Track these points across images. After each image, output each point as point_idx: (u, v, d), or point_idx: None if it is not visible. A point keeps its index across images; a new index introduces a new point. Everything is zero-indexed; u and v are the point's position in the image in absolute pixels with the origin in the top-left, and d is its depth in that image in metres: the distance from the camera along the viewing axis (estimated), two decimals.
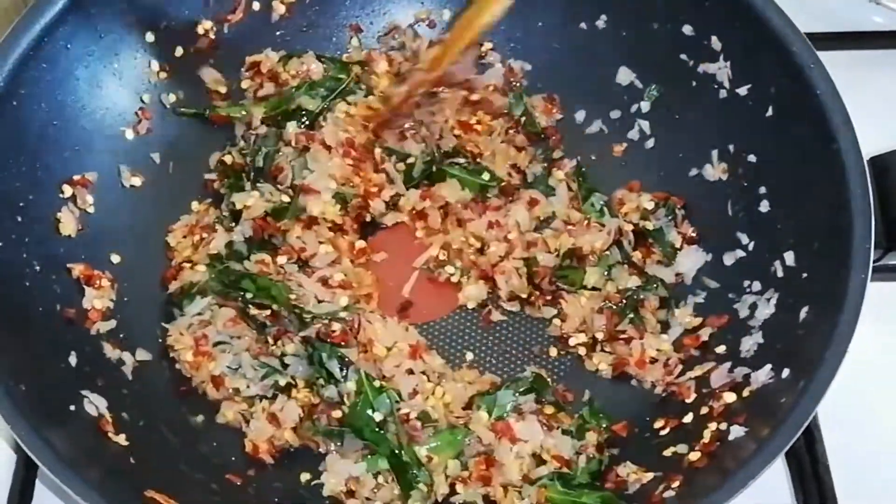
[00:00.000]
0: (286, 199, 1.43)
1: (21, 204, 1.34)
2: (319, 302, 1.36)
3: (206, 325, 1.38)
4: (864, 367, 1.25)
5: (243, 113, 1.52)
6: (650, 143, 1.53)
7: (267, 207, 1.43)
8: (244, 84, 1.54)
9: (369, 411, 1.29)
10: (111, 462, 1.23)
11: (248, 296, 1.37)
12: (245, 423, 1.34)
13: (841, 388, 1.15)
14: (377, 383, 1.31)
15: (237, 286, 1.38)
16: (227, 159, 1.51)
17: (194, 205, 1.50)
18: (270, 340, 1.36)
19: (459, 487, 1.29)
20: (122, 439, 1.26)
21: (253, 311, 1.36)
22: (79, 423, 1.24)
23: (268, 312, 1.36)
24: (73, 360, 1.30)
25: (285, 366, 1.36)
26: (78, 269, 1.38)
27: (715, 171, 1.44)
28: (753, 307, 1.33)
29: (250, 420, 1.34)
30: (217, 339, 1.37)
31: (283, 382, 1.35)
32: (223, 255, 1.43)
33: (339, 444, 1.32)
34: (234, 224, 1.45)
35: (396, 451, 1.28)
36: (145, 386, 1.36)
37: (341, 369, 1.32)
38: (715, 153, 1.44)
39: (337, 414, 1.31)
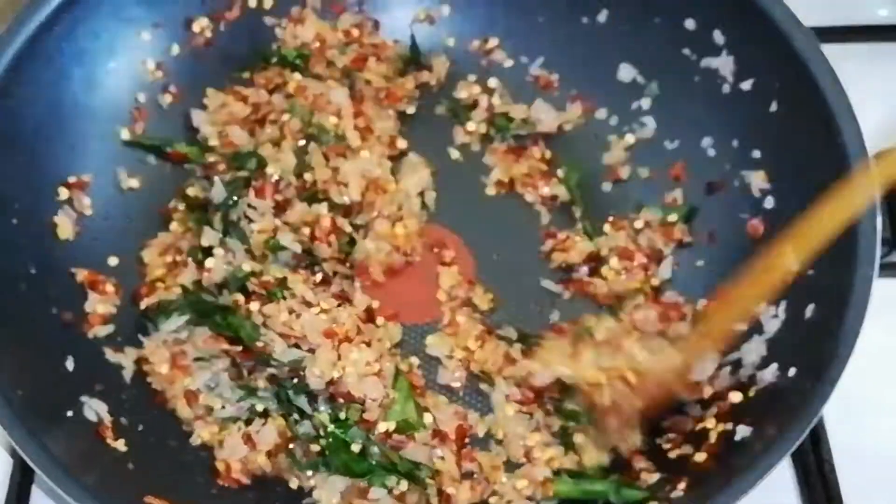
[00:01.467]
0: (247, 266, 1.36)
1: (16, 206, 1.33)
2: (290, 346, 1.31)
3: (183, 343, 1.35)
4: (870, 365, 1.24)
5: (207, 160, 1.46)
6: (652, 139, 1.51)
7: (226, 273, 1.37)
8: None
9: (346, 445, 1.25)
10: (109, 467, 1.22)
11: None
12: (219, 446, 1.30)
13: (846, 387, 1.14)
14: (342, 414, 1.27)
15: (209, 317, 1.35)
16: (191, 192, 1.45)
17: (173, 225, 1.45)
18: (245, 372, 1.33)
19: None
20: (120, 444, 1.25)
21: (224, 344, 1.33)
22: (76, 429, 1.24)
23: (239, 349, 1.32)
24: (70, 364, 1.30)
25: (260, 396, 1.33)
26: (82, 275, 1.37)
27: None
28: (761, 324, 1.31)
29: (224, 441, 1.30)
30: (196, 356, 1.34)
31: (260, 407, 1.31)
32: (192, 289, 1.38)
33: (325, 472, 1.27)
34: (204, 259, 1.38)
35: (389, 468, 1.25)
36: (143, 390, 1.35)
37: (310, 402, 1.29)
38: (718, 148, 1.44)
39: (315, 448, 1.27)
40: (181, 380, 1.33)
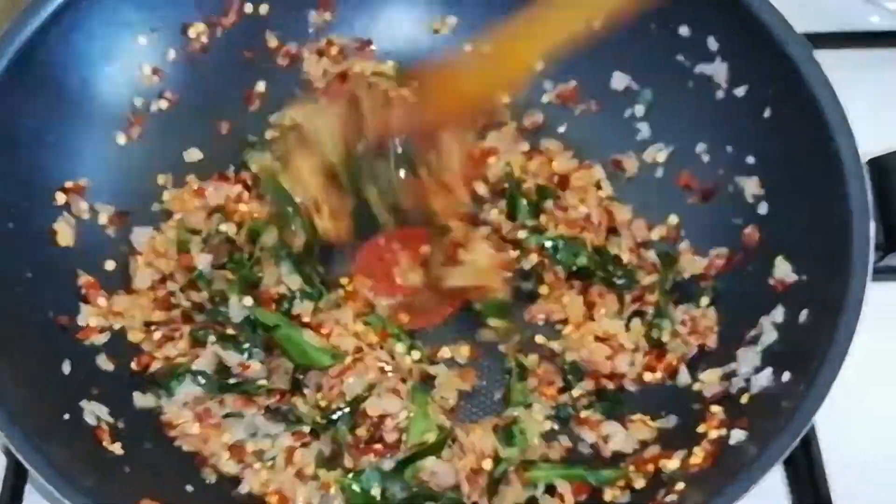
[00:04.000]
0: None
1: (13, 210, 1.33)
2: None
3: (206, 402, 1.31)
4: (862, 369, 1.23)
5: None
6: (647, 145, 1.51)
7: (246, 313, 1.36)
8: None
9: (365, 492, 1.26)
10: (106, 471, 1.22)
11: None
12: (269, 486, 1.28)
13: (838, 391, 1.15)
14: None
15: (235, 390, 1.33)
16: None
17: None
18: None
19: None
20: (117, 448, 1.25)
21: (258, 404, 1.32)
22: (73, 432, 1.23)
23: (277, 398, 1.32)
24: (66, 367, 1.29)
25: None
26: (83, 279, 1.37)
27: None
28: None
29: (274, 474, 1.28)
30: (225, 413, 1.31)
31: (306, 430, 1.31)
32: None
33: None
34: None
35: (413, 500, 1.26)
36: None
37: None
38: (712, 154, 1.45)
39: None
40: (216, 437, 1.29)
